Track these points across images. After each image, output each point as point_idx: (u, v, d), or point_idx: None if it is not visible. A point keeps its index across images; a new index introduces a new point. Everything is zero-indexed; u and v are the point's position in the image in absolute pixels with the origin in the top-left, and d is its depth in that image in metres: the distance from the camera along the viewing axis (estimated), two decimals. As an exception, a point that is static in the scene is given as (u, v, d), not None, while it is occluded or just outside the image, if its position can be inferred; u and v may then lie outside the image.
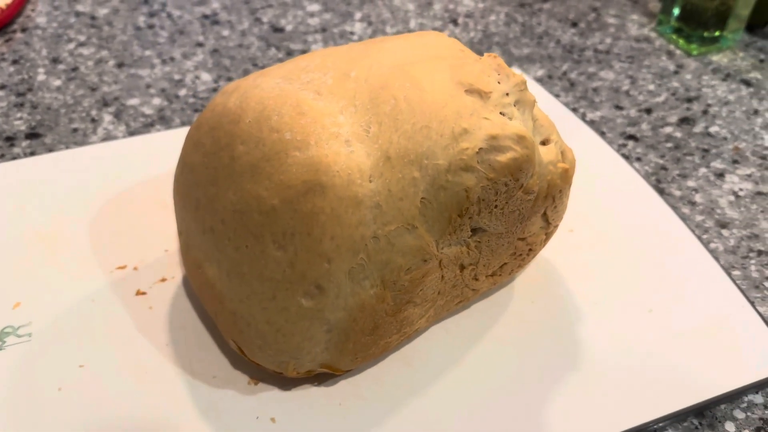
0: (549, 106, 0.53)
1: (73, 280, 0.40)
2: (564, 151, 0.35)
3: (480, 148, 0.30)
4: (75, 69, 0.57)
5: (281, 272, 0.30)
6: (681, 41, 0.61)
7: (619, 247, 0.42)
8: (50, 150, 0.49)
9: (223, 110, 0.33)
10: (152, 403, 0.34)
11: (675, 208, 0.46)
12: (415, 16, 0.65)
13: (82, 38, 0.61)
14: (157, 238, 0.42)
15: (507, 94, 0.32)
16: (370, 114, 0.31)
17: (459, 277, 0.34)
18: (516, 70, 0.57)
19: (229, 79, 0.56)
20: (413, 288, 0.31)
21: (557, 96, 0.55)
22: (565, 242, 0.42)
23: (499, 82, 0.33)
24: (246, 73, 0.57)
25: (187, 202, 0.34)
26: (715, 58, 0.60)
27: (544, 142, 0.34)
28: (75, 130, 0.51)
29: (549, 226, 0.37)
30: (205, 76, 0.57)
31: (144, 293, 0.39)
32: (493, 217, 0.32)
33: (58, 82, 0.56)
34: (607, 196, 0.45)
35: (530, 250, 0.37)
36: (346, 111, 0.31)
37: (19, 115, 0.52)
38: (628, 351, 0.36)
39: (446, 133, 0.30)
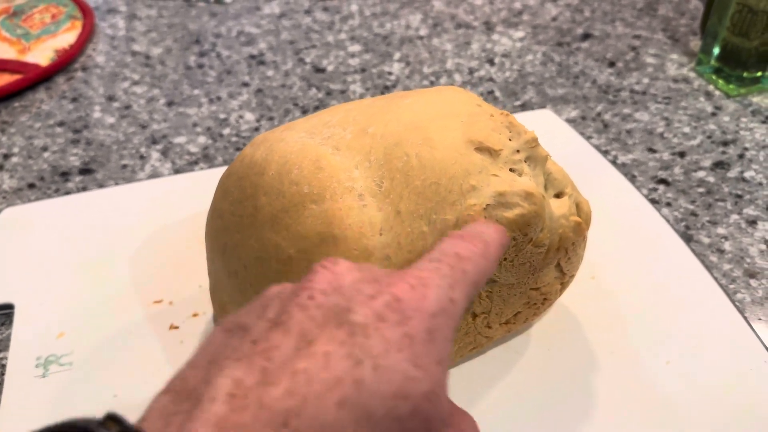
0: (579, 148, 0.53)
1: (114, 313, 0.42)
2: (579, 203, 0.36)
3: (487, 204, 0.31)
4: (128, 107, 0.61)
5: None
6: (720, 82, 0.61)
7: (641, 296, 0.42)
8: (101, 185, 0.53)
9: (250, 162, 0.35)
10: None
11: (703, 256, 0.45)
12: (453, 56, 0.66)
13: (136, 77, 0.65)
14: (193, 274, 0.44)
15: (518, 151, 0.33)
16: (384, 169, 0.32)
17: (471, 325, 0.35)
18: (549, 111, 0.57)
19: (271, 119, 0.59)
20: None
21: (589, 138, 0.56)
22: (586, 289, 0.43)
23: (510, 139, 0.34)
24: (287, 113, 0.60)
25: (215, 245, 0.37)
26: (755, 99, 0.60)
27: (558, 195, 0.35)
28: (124, 166, 0.55)
29: (564, 276, 0.38)
30: (248, 116, 0.60)
31: (177, 327, 0.41)
32: (502, 269, 0.33)
33: (111, 120, 0.60)
34: (632, 243, 0.45)
35: (545, 299, 0.38)
36: (362, 166, 0.33)
37: (74, 151, 0.56)
38: (644, 404, 0.36)
39: (455, 190, 0.31)
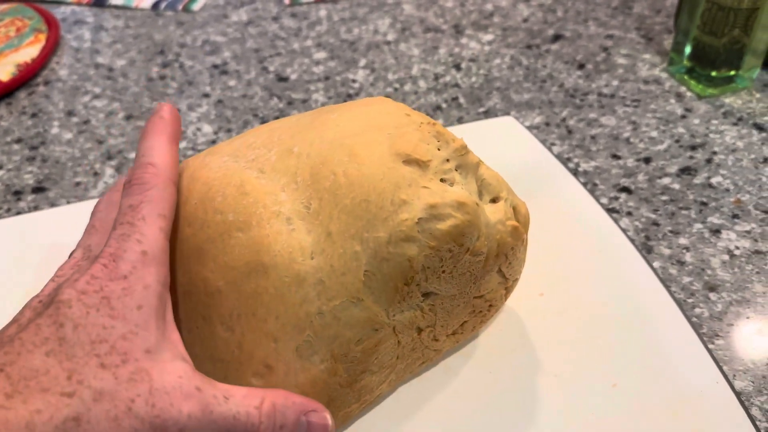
0: (538, 156, 0.51)
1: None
2: (516, 206, 0.35)
3: (419, 218, 0.30)
4: (87, 122, 0.60)
5: (230, 353, 0.31)
6: (692, 82, 0.59)
7: (590, 313, 0.40)
8: (53, 204, 0.52)
9: None
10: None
11: (662, 269, 0.44)
12: (419, 61, 0.65)
13: (97, 90, 0.64)
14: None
15: (447, 160, 0.32)
16: (311, 190, 0.31)
17: (418, 340, 0.34)
18: (511, 118, 0.56)
19: (229, 131, 0.58)
20: (367, 358, 0.31)
21: (552, 145, 0.54)
22: (532, 307, 0.41)
23: (438, 149, 0.32)
24: (246, 124, 0.59)
25: None
26: (728, 100, 0.58)
27: (493, 200, 0.34)
28: (78, 183, 0.54)
29: (507, 281, 0.37)
30: (206, 128, 0.58)
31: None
32: (442, 281, 0.32)
33: (69, 135, 0.59)
34: (586, 256, 0.44)
35: (490, 306, 0.37)
36: (288, 188, 0.32)
37: (29, 168, 0.56)
38: (586, 429, 0.35)
39: (385, 206, 0.30)
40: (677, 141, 0.54)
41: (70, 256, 0.33)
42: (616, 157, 0.53)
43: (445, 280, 0.32)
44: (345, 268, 0.30)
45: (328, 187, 0.31)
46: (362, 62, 0.66)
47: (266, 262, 0.30)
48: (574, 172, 0.51)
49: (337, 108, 0.36)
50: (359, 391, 0.33)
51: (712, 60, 0.57)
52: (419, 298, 0.32)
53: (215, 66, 0.67)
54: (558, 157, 0.52)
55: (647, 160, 0.52)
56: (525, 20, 0.70)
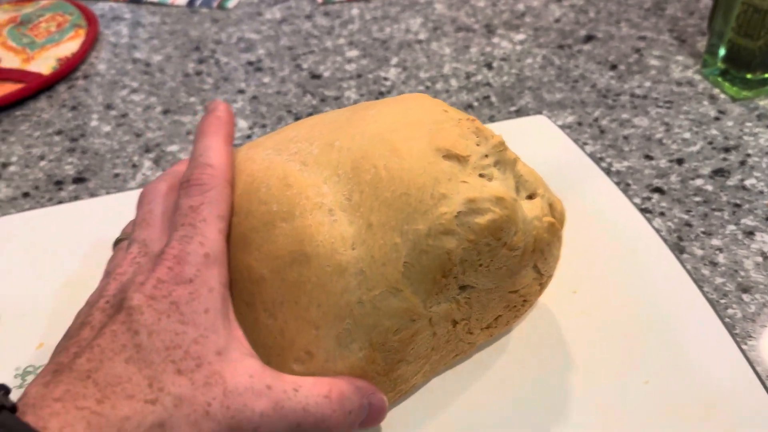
0: (571, 155, 0.52)
1: (92, 324, 0.42)
2: (552, 203, 0.35)
3: (458, 212, 0.30)
4: (125, 115, 0.62)
5: (272, 339, 0.31)
6: (726, 85, 0.59)
7: (622, 312, 0.41)
8: (92, 194, 0.53)
9: None
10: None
11: (694, 269, 0.44)
12: (451, 60, 0.65)
13: (135, 85, 0.66)
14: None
15: (486, 156, 0.33)
16: (352, 183, 0.32)
17: (453, 333, 0.35)
18: (544, 117, 0.56)
19: (263, 126, 0.59)
20: (404, 347, 0.32)
21: (585, 144, 0.54)
22: (566, 305, 0.41)
23: (477, 144, 0.33)
24: (279, 120, 0.60)
25: None
26: (762, 102, 0.57)
27: (530, 197, 0.34)
28: (117, 175, 0.55)
29: (542, 277, 0.37)
30: (242, 123, 0.60)
31: (153, 339, 0.41)
32: (479, 274, 0.32)
33: (108, 128, 0.60)
34: (619, 255, 0.44)
35: (525, 301, 0.37)
36: (330, 181, 0.32)
37: (70, 159, 0.57)
38: (618, 426, 0.35)
39: (425, 199, 0.31)
40: (710, 143, 0.54)
41: (120, 249, 0.34)
42: (648, 157, 0.53)
43: (482, 273, 0.33)
44: (385, 259, 0.30)
45: (369, 180, 0.32)
46: (394, 60, 0.66)
47: (309, 251, 0.31)
48: (607, 172, 0.51)
49: (375, 104, 0.37)
50: (395, 380, 0.33)
51: (747, 62, 0.57)
52: (456, 290, 0.33)
53: (250, 63, 0.68)
54: (591, 156, 0.52)
55: (680, 161, 0.52)
56: (557, 20, 0.70)
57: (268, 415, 0.28)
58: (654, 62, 0.63)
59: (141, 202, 0.35)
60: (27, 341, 0.42)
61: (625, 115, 0.57)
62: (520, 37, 0.68)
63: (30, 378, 0.40)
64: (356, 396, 0.30)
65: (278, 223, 0.32)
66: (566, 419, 0.36)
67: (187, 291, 0.29)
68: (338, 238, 0.31)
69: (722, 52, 0.59)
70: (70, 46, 0.70)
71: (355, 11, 0.75)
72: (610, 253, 0.44)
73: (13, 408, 0.25)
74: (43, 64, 0.67)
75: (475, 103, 0.60)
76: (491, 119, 0.57)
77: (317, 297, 0.31)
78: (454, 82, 0.62)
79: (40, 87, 0.65)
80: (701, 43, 0.65)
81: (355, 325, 0.31)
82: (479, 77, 0.63)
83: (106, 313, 0.29)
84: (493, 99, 0.60)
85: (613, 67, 0.63)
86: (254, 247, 0.32)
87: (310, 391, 0.29)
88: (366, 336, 0.31)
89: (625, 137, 0.55)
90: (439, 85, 0.62)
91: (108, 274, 0.32)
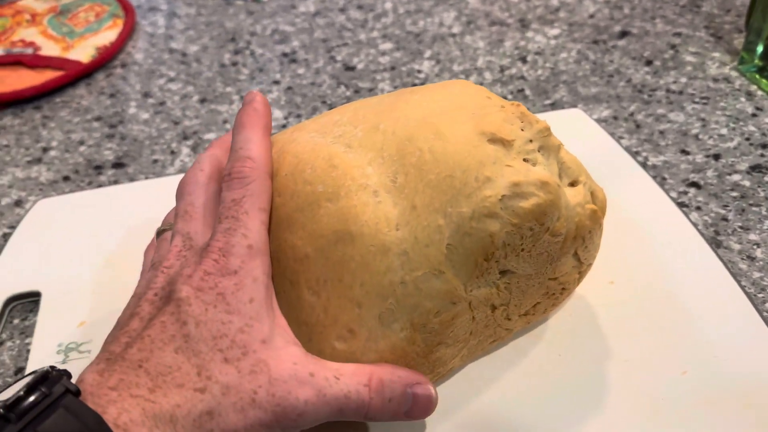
0: (608, 149, 0.52)
1: (133, 304, 0.43)
2: (594, 191, 0.35)
3: (503, 195, 0.31)
4: (162, 103, 0.63)
5: (315, 317, 0.32)
6: (764, 81, 0.58)
7: (660, 303, 0.41)
8: (131, 179, 0.54)
9: None
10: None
11: (731, 263, 0.44)
12: (484, 54, 0.66)
13: (172, 74, 0.67)
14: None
15: (531, 141, 0.33)
16: (397, 165, 0.32)
17: (491, 318, 0.35)
18: (580, 111, 0.56)
19: (298, 116, 0.60)
20: (443, 330, 0.32)
21: (620, 138, 0.54)
22: (603, 294, 0.41)
23: (522, 130, 0.33)
24: (314, 110, 0.60)
25: None
26: (801, 100, 0.57)
27: (572, 184, 0.34)
28: (155, 161, 0.56)
29: (582, 265, 0.37)
30: (277, 113, 0.60)
31: (192, 320, 0.42)
32: (520, 259, 0.33)
33: (146, 116, 0.61)
34: (656, 247, 0.44)
35: (563, 289, 0.37)
36: (374, 162, 0.33)
37: (109, 145, 0.58)
38: (655, 415, 0.35)
39: (469, 182, 0.31)
40: (747, 139, 0.53)
41: (164, 241, 0.35)
42: (684, 152, 0.52)
43: (524, 258, 0.33)
44: (428, 240, 0.31)
45: (414, 163, 0.32)
46: (427, 53, 0.66)
47: (353, 231, 0.31)
48: (643, 166, 0.51)
49: (419, 89, 0.37)
50: (434, 362, 0.34)
51: (786, 59, 0.56)
52: (496, 275, 0.33)
53: (285, 54, 0.68)
54: (627, 150, 0.52)
55: (717, 157, 0.52)
56: (591, 16, 0.70)
57: (312, 402, 0.29)
58: (690, 58, 0.63)
59: (181, 193, 0.36)
60: (69, 319, 0.43)
61: (661, 110, 0.57)
62: (555, 31, 0.68)
63: (72, 354, 0.41)
64: (397, 384, 0.31)
65: (323, 203, 0.32)
66: (603, 409, 0.36)
67: (233, 282, 0.30)
68: (382, 218, 0.31)
69: (760, 49, 0.58)
70: (108, 35, 0.71)
71: (388, 4, 0.75)
72: (647, 246, 0.44)
73: (77, 392, 0.26)
74: (82, 53, 0.68)
75: (510, 96, 0.60)
76: (526, 112, 0.58)
77: (361, 276, 0.31)
78: (488, 75, 0.63)
79: (79, 74, 0.66)
80: (738, 40, 0.64)
81: (397, 305, 0.31)
82: (513, 71, 0.63)
83: (155, 305, 0.30)
84: (528, 92, 0.60)
85: (649, 62, 0.63)
86: (299, 227, 0.33)
87: (351, 379, 0.30)
88: (407, 316, 0.31)
89: (661, 132, 0.55)
90: (473, 78, 0.62)
91: (155, 266, 0.32)
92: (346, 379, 0.30)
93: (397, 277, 0.31)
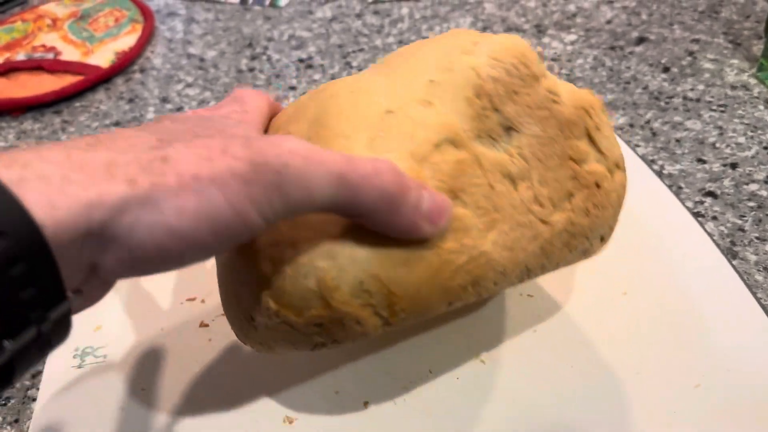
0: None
1: (148, 309, 0.44)
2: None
3: (477, 42, 0.33)
4: (180, 108, 0.63)
5: None
6: (783, 89, 0.58)
7: (674, 314, 0.40)
8: (148, 184, 0.55)
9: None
10: (197, 429, 0.37)
11: (747, 275, 0.43)
12: (500, 59, 0.66)
13: (190, 79, 0.67)
14: (226, 274, 0.46)
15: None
16: (388, 70, 0.33)
17: (517, 198, 0.32)
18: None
19: (313, 121, 0.60)
20: (453, 175, 0.29)
21: (636, 146, 0.54)
22: (616, 305, 0.41)
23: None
24: (329, 115, 0.60)
25: None
26: (821, 108, 0.56)
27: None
28: (172, 166, 0.56)
29: (605, 159, 0.35)
30: (292, 118, 0.61)
31: (207, 325, 0.42)
32: (519, 107, 0.32)
33: (163, 121, 0.62)
34: (670, 258, 0.44)
35: (597, 185, 0.35)
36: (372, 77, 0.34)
37: (127, 150, 0.59)
38: (667, 429, 0.35)
39: (448, 50, 0.33)
40: (766, 147, 0.53)
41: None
42: (701, 161, 0.52)
43: (522, 108, 0.32)
44: (410, 79, 0.32)
45: (401, 60, 0.34)
46: (444, 59, 0.66)
47: (335, 86, 0.32)
48: (659, 175, 0.50)
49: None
50: (456, 228, 0.29)
51: (806, 66, 0.56)
52: (499, 128, 0.32)
53: (301, 60, 0.69)
54: (642, 158, 0.51)
55: (734, 166, 0.51)
56: (608, 22, 0.70)
57: (300, 153, 0.24)
58: (708, 65, 0.62)
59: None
60: (85, 323, 0.43)
61: (677, 118, 0.56)
62: (571, 37, 0.68)
63: (88, 359, 0.41)
64: (409, 176, 0.27)
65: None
66: (615, 422, 0.36)
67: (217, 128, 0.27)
68: (363, 79, 0.32)
69: (780, 55, 0.58)
70: (127, 40, 0.72)
71: (404, 10, 0.75)
72: (662, 256, 0.44)
73: None
74: (102, 58, 0.69)
75: (525, 103, 0.59)
76: (541, 119, 0.57)
77: (345, 111, 0.30)
78: (503, 82, 0.62)
79: (98, 79, 0.67)
80: (757, 47, 0.64)
81: (388, 133, 0.29)
82: (529, 77, 0.63)
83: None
84: (543, 99, 0.60)
85: (666, 69, 0.62)
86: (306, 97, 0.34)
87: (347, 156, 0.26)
88: (404, 146, 0.29)
89: (678, 140, 0.54)
90: (488, 85, 0.62)
91: None
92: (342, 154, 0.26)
93: (381, 109, 0.30)
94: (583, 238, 0.35)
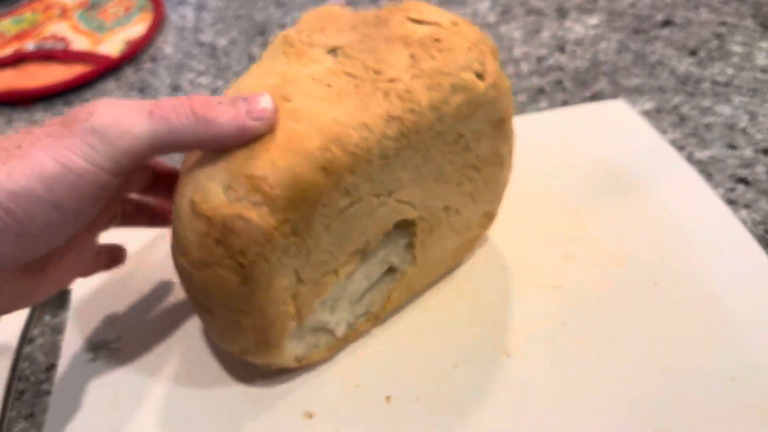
0: (651, 143, 0.49)
1: (161, 302, 0.43)
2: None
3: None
4: (192, 97, 0.62)
5: None
6: (816, 72, 0.56)
7: (706, 306, 0.39)
8: (161, 174, 0.54)
9: None
10: (216, 423, 0.36)
11: (784, 264, 0.41)
12: (520, 44, 0.64)
13: (201, 68, 0.66)
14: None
15: None
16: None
17: (350, 81, 0.32)
18: (622, 102, 0.54)
19: (329, 109, 0.58)
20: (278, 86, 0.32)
21: (664, 132, 0.52)
22: (647, 297, 0.39)
23: None
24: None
25: None
26: None
27: None
28: (184, 155, 0.55)
29: (435, 24, 0.34)
30: (307, 106, 0.59)
31: (222, 318, 0.41)
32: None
33: (175, 110, 0.60)
34: (702, 248, 0.42)
35: (436, 39, 0.33)
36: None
37: (139, 140, 0.57)
38: (701, 424, 0.33)
39: None
40: (800, 132, 0.51)
41: None
42: (732, 147, 0.50)
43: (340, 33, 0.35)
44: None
45: None
46: (461, 45, 0.65)
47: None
48: (688, 161, 0.48)
49: None
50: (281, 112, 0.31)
51: (841, 48, 0.53)
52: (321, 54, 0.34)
53: (315, 46, 0.67)
54: (671, 144, 0.50)
55: (766, 152, 0.49)
56: (632, 5, 0.68)
57: (106, 103, 0.28)
58: (736, 48, 0.60)
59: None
60: (99, 316, 0.42)
61: (706, 103, 0.54)
62: (594, 21, 0.66)
63: (102, 352, 0.40)
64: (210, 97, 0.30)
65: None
66: (647, 417, 0.34)
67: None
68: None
69: (812, 37, 0.55)
70: (137, 29, 0.71)
71: (420, -5, 0.73)
72: (693, 245, 0.42)
73: None
74: (112, 47, 0.68)
75: (547, 88, 0.58)
76: (564, 103, 0.56)
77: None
78: (524, 66, 0.61)
79: (108, 69, 0.66)
80: (788, 29, 0.61)
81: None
82: (551, 61, 0.61)
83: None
84: (566, 83, 0.58)
85: (693, 53, 0.60)
86: None
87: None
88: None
89: (707, 125, 0.52)
90: (509, 69, 0.60)
91: None
92: None
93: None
94: (444, 76, 0.32)
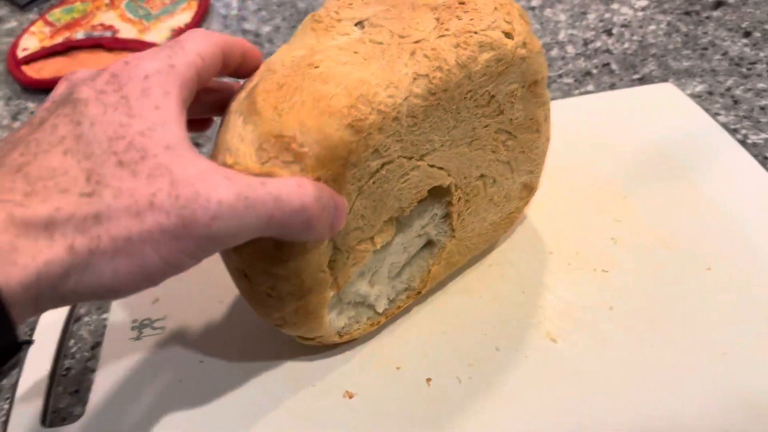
0: (704, 126, 0.48)
1: (205, 282, 0.43)
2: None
3: None
4: (235, 83, 0.62)
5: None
6: None
7: (761, 292, 0.37)
8: (204, 158, 0.54)
9: None
10: (256, 401, 0.36)
11: None
12: (566, 27, 0.62)
13: (245, 54, 0.66)
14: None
15: None
16: None
17: (378, 47, 0.32)
18: (671, 85, 0.52)
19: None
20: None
21: (716, 115, 0.50)
22: (699, 282, 0.38)
23: None
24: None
25: None
26: None
27: None
28: (228, 140, 0.56)
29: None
30: (349, 91, 0.59)
31: (264, 299, 0.41)
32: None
33: (219, 96, 0.61)
34: (757, 232, 0.40)
35: (461, 2, 0.33)
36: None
37: (183, 125, 0.58)
38: (756, 414, 0.32)
39: None
40: None
41: None
42: (789, 129, 0.48)
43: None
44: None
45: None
46: (505, 29, 0.64)
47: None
48: (742, 144, 0.47)
49: None
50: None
51: None
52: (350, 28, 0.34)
53: (357, 32, 0.67)
54: (724, 127, 0.48)
55: (826, 134, 0.47)
56: (683, -14, 0.65)
57: (228, 203, 0.25)
58: (794, 28, 0.58)
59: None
60: (143, 296, 0.43)
61: (761, 85, 0.52)
62: (642, 3, 0.64)
63: (146, 330, 0.41)
64: (324, 190, 0.28)
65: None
66: (698, 405, 0.33)
67: (140, 87, 0.26)
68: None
69: None
70: (183, 17, 0.72)
71: (463, -20, 0.72)
72: (748, 230, 0.41)
73: None
74: (158, 35, 0.69)
75: (594, 71, 0.56)
76: (612, 86, 0.54)
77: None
78: (570, 49, 0.59)
79: (155, 56, 0.67)
80: None
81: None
82: (598, 44, 0.59)
83: (50, 110, 0.26)
84: (614, 66, 0.57)
85: (747, 34, 0.58)
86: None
87: (280, 182, 0.27)
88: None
89: (762, 108, 0.50)
90: (554, 52, 0.59)
91: (64, 78, 0.29)
92: (275, 182, 0.26)
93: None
94: (470, 34, 0.32)
